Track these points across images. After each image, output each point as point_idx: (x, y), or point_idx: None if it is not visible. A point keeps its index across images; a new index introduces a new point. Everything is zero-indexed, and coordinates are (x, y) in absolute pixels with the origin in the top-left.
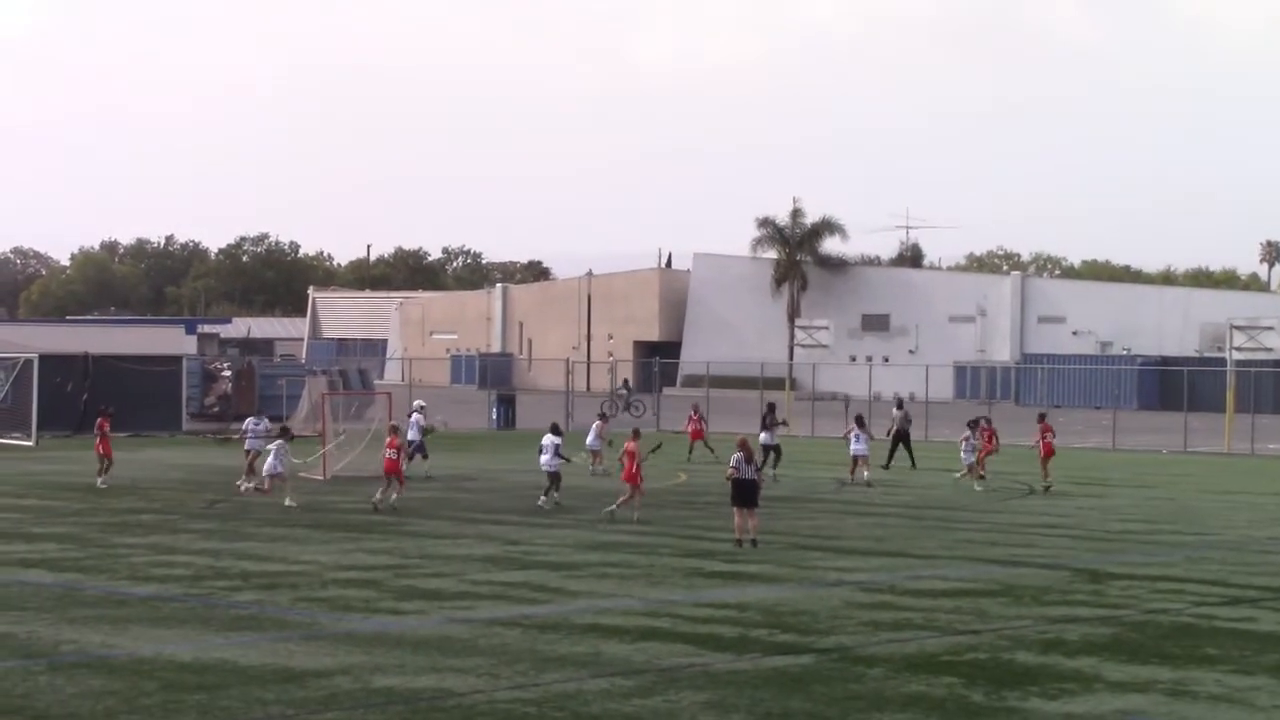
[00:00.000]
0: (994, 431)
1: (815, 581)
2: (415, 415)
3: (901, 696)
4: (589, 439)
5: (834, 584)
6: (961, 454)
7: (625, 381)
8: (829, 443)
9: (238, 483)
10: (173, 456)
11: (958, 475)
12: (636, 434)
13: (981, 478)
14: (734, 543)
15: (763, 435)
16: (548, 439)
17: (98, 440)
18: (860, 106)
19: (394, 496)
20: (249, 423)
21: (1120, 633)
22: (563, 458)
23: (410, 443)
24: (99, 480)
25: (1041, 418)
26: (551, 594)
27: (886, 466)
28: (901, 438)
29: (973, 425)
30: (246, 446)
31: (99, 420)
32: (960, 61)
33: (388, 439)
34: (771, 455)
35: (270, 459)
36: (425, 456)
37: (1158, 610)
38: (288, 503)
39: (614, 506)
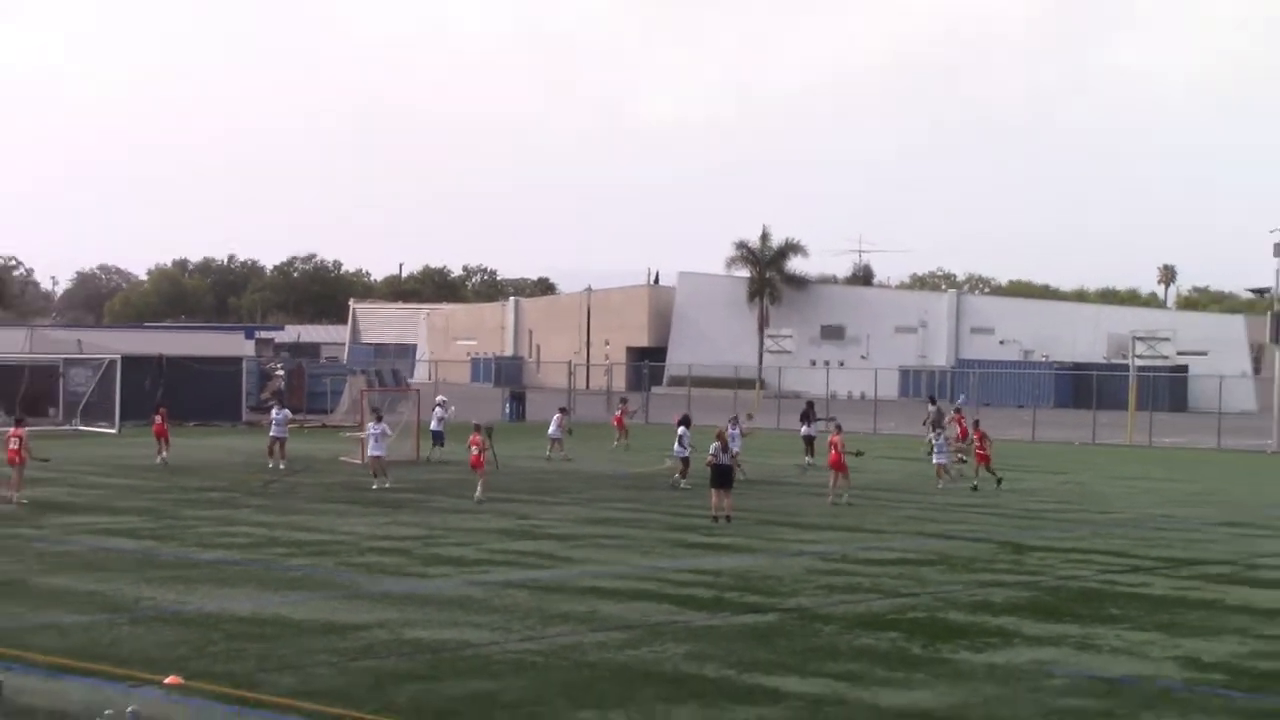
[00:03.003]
0: (964, 423)
1: (780, 552)
2: (437, 409)
3: (852, 649)
4: (550, 429)
5: (796, 554)
6: (937, 456)
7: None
8: (792, 435)
9: (269, 464)
10: (234, 443)
11: (942, 483)
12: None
13: (946, 472)
14: (711, 519)
15: (803, 428)
16: (682, 430)
17: (156, 426)
18: (822, 147)
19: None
20: (274, 413)
21: (1037, 596)
22: (685, 447)
23: (433, 433)
24: (160, 458)
25: (976, 425)
26: (556, 561)
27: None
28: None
29: (936, 421)
30: (271, 434)
31: (158, 411)
32: (906, 110)
33: (471, 436)
34: (809, 445)
35: (372, 444)
36: (442, 445)
37: (1069, 577)
38: (382, 485)
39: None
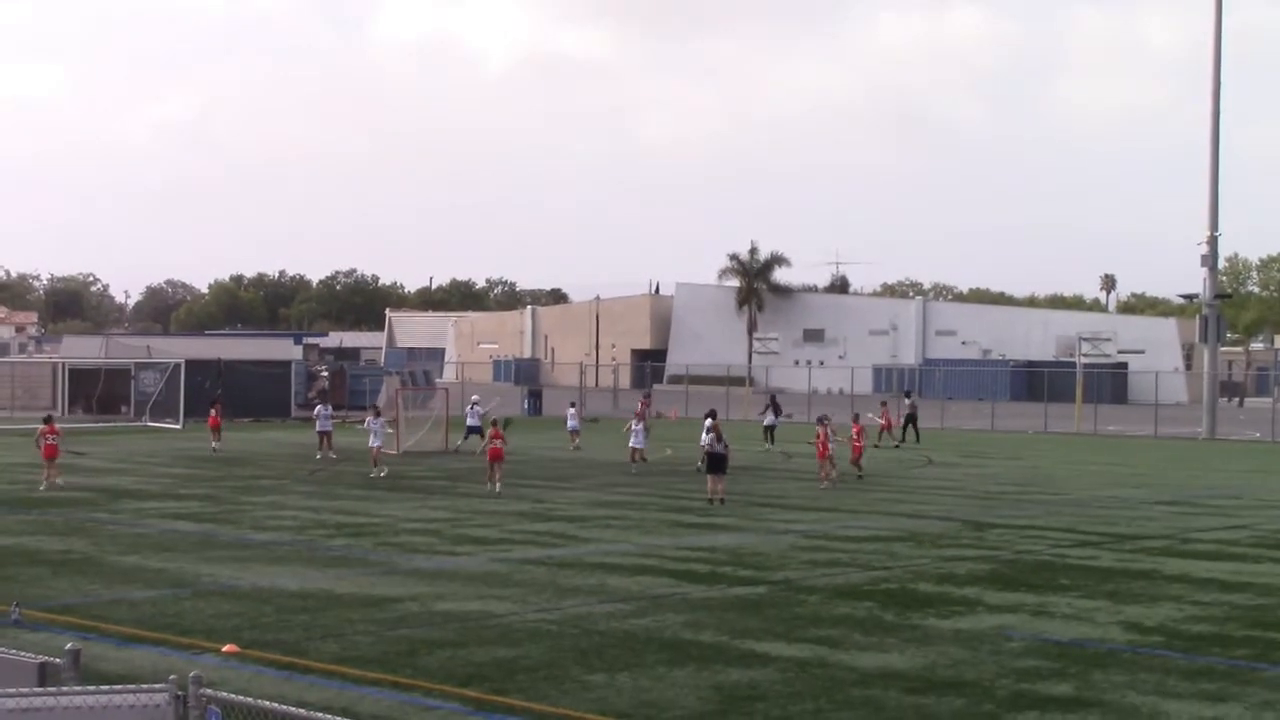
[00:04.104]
0: (889, 415)
1: (768, 531)
2: (476, 407)
3: (832, 617)
4: (569, 423)
5: (782, 532)
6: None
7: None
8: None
9: (317, 455)
10: (284, 437)
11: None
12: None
13: (842, 470)
14: (707, 501)
15: (765, 418)
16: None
17: (211, 420)
18: (805, 167)
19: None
20: (318, 409)
21: (996, 568)
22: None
23: (468, 428)
24: (214, 446)
25: (855, 418)
26: (569, 540)
27: (898, 446)
28: (911, 420)
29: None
30: (318, 429)
31: (214, 405)
32: (881, 136)
33: (491, 430)
34: (769, 433)
35: (372, 437)
36: (482, 437)
37: (1025, 551)
38: (379, 474)
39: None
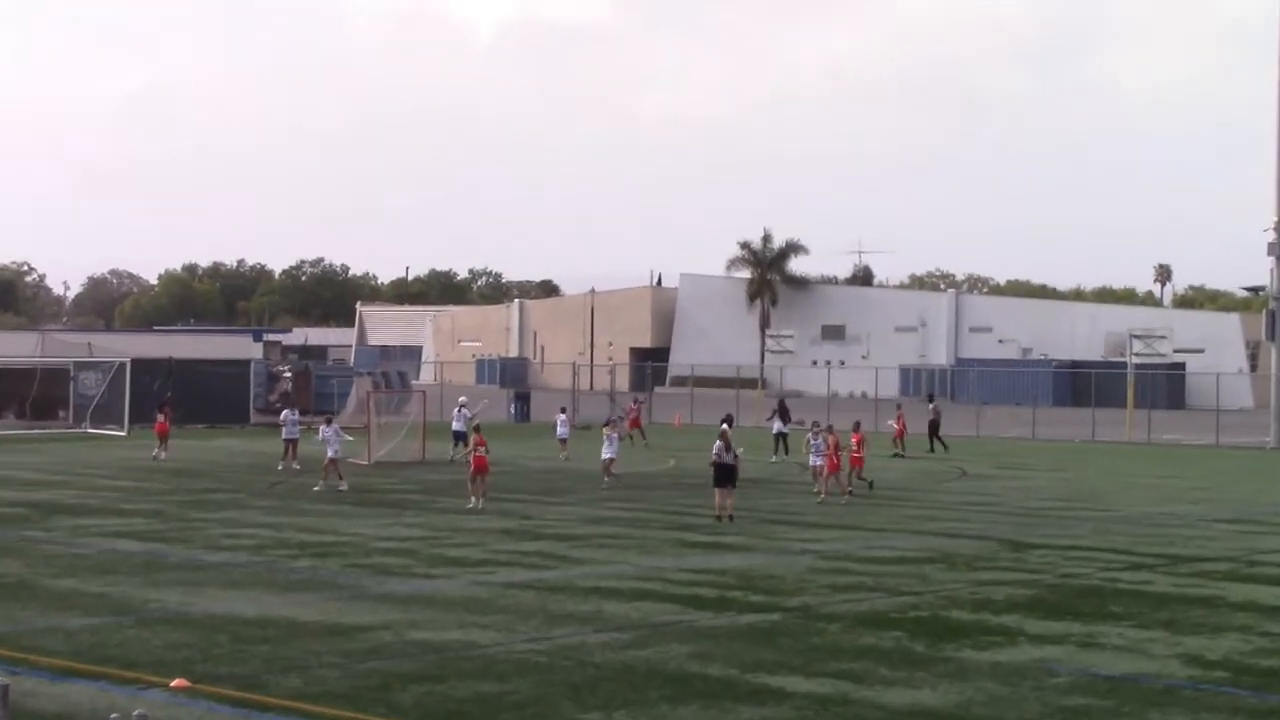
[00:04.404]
0: (904, 422)
1: (783, 551)
2: (464, 412)
3: (855, 648)
4: (559, 430)
5: (799, 553)
6: (811, 458)
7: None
8: (793, 435)
9: (279, 466)
10: (241, 445)
11: (816, 491)
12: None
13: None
14: (714, 518)
15: (775, 425)
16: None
17: (158, 425)
18: (823, 148)
19: (480, 497)
20: (285, 415)
21: (1039, 594)
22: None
23: (456, 433)
24: (158, 455)
25: (856, 426)
26: (560, 561)
27: (931, 451)
28: (934, 428)
29: (816, 427)
30: (284, 436)
31: (161, 409)
32: (907, 112)
33: (475, 437)
34: (780, 441)
35: (329, 449)
36: (466, 445)
37: (1070, 575)
38: (336, 488)
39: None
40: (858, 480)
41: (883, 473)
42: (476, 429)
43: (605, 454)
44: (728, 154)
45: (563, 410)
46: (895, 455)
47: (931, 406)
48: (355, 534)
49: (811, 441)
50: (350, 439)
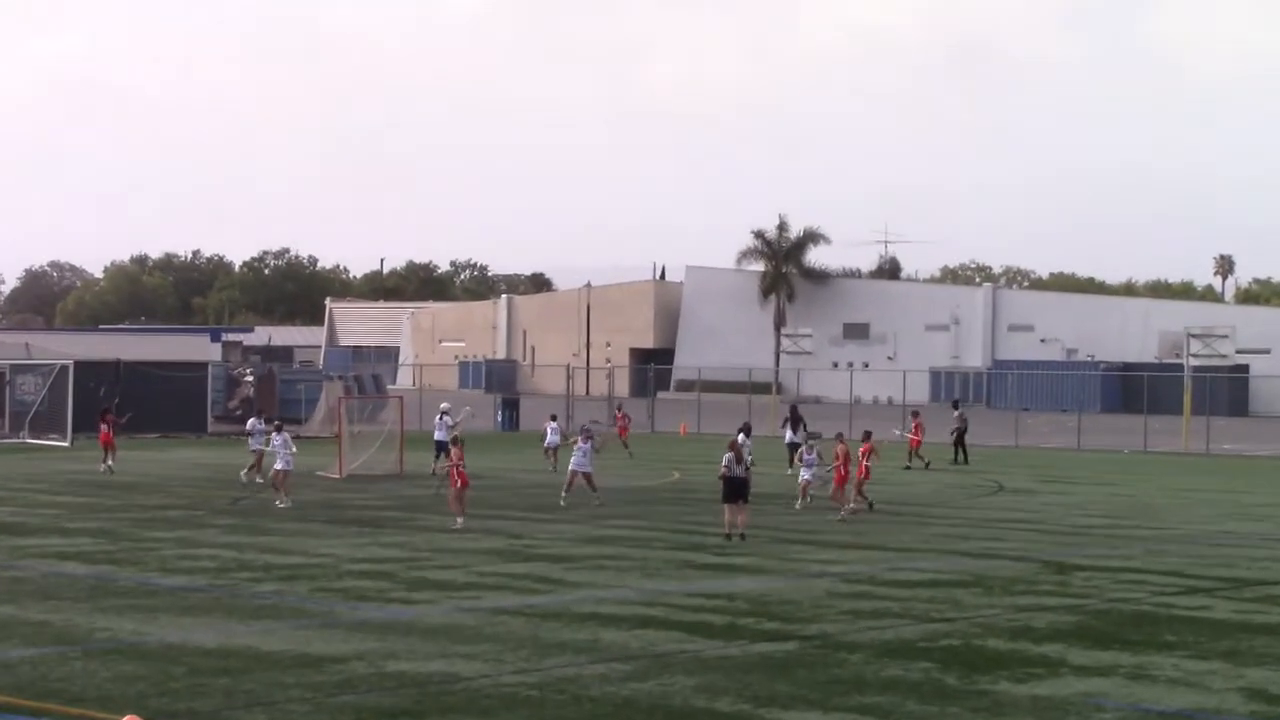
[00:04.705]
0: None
1: (799, 573)
2: (445, 419)
3: (880, 680)
4: (548, 438)
5: (817, 575)
6: (802, 471)
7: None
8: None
9: (242, 475)
10: (199, 456)
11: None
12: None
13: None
14: (723, 536)
15: (787, 435)
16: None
17: (102, 435)
18: (845, 128)
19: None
20: (252, 423)
21: (1084, 621)
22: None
23: (438, 444)
24: (105, 467)
25: (866, 436)
26: (553, 585)
27: (955, 461)
28: (960, 437)
29: (809, 438)
30: (252, 446)
31: (104, 418)
32: (939, 87)
33: (454, 449)
34: (791, 453)
35: (279, 462)
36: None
37: (1119, 599)
38: (280, 502)
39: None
40: (857, 498)
41: (908, 487)
42: (455, 440)
43: (574, 464)
44: (741, 128)
45: (553, 418)
46: (907, 468)
47: (957, 414)
48: (326, 555)
49: (805, 456)
50: (293, 451)
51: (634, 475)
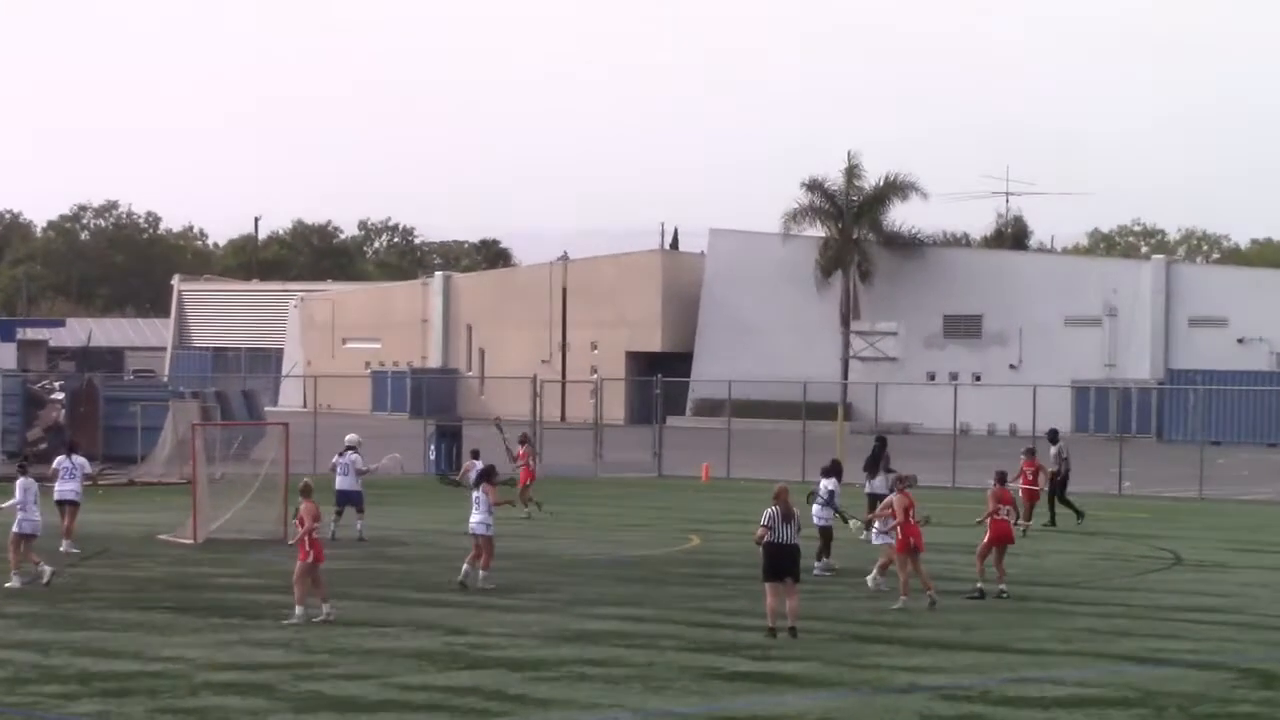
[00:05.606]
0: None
1: (877, 686)
2: (350, 455)
3: None
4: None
5: (904, 689)
6: (874, 535)
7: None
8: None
9: (61, 547)
10: None
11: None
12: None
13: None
14: (766, 631)
15: (869, 483)
16: (824, 484)
17: None
18: (945, 30)
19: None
20: (59, 462)
21: None
22: (837, 510)
23: (340, 494)
24: None
25: (1031, 454)
26: (511, 704)
27: (1052, 523)
28: (1059, 484)
29: (901, 480)
30: (57, 496)
31: None
32: None
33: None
34: (871, 505)
35: (24, 516)
36: (360, 511)
37: None
38: (8, 584)
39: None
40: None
41: (1036, 559)
42: (304, 490)
43: (475, 525)
44: (780, 42)
45: (475, 454)
46: (1023, 529)
47: (1055, 450)
48: (173, 658)
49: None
50: (38, 513)
51: (630, 540)
